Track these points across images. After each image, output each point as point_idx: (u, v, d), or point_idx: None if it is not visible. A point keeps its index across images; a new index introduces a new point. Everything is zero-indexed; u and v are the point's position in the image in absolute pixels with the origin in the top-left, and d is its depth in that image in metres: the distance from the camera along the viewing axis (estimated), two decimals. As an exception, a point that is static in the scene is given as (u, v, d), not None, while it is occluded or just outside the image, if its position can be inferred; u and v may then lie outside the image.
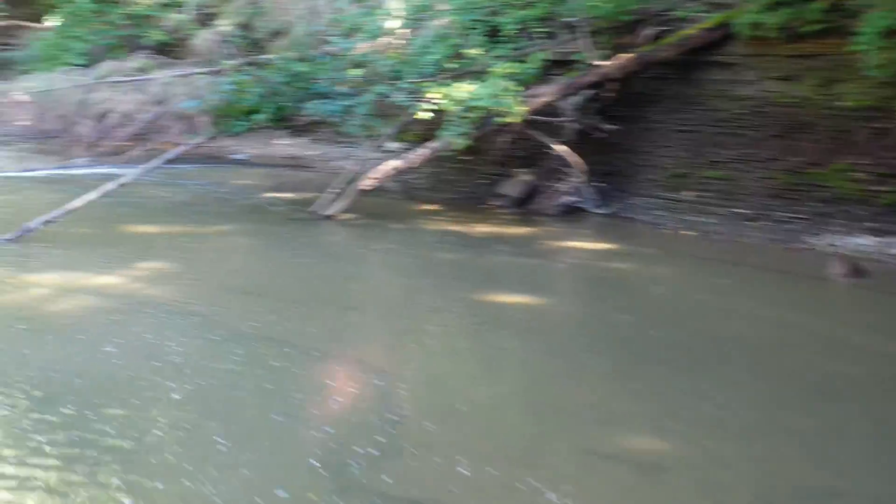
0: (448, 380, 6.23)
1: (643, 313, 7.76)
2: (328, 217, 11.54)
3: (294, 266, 9.48)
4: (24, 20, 26.03)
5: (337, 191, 11.71)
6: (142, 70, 11.39)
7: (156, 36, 17.03)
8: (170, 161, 10.81)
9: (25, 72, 18.54)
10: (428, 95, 10.84)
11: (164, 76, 10.73)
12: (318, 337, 6.91)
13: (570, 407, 5.60)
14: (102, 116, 11.54)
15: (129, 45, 20.37)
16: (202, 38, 13.75)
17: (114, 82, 10.70)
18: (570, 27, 11.78)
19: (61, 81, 11.24)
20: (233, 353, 6.37)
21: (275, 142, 16.97)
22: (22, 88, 12.20)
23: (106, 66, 11.18)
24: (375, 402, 5.67)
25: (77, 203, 10.14)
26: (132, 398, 5.43)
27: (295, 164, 16.85)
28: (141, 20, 19.22)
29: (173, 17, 17.28)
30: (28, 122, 16.07)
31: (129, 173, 10.92)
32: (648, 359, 6.49)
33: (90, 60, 17.21)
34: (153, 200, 12.52)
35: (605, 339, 7.11)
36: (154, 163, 11.02)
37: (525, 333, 7.20)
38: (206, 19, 15.27)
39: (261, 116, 11.14)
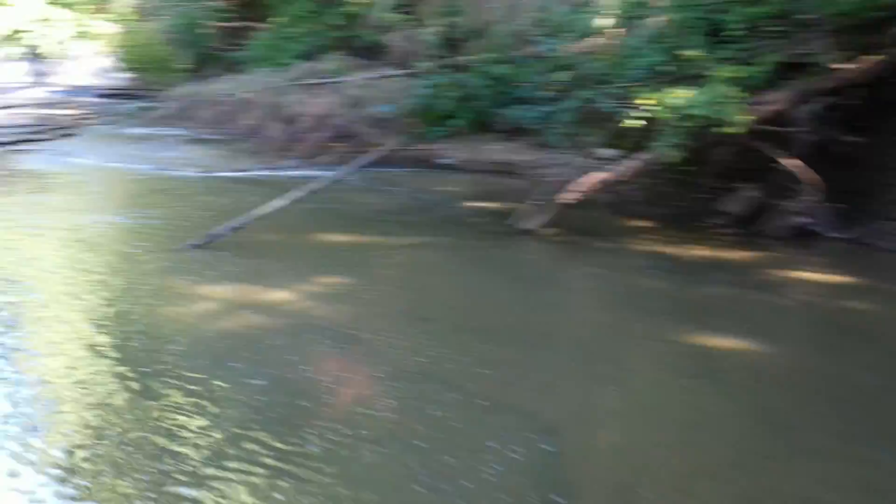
0: (634, 451, 5.17)
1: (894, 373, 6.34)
2: (527, 232, 10.66)
3: (481, 289, 8.69)
4: (253, 21, 27.16)
5: (538, 202, 10.81)
6: (335, 72, 11.03)
7: (369, 37, 16.77)
8: (366, 166, 10.35)
9: (244, 72, 19.00)
10: (638, 102, 9.72)
11: (358, 78, 10.27)
12: (491, 381, 6.07)
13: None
14: (295, 119, 11.28)
15: (342, 47, 20.55)
16: (398, 39, 13.31)
17: (308, 84, 10.37)
18: (806, 25, 10.18)
19: (255, 83, 11.07)
20: (389, 395, 5.66)
21: (485, 146, 16.26)
22: (222, 89, 12.18)
23: (300, 68, 10.90)
24: (538, 474, 4.75)
25: (265, 209, 9.89)
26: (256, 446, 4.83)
27: (504, 170, 16.02)
28: (355, 20, 19.10)
29: (387, 17, 16.93)
30: (252, 122, 16.29)
31: (324, 178, 10.57)
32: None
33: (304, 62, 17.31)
34: (347, 207, 12.19)
35: (841, 408, 5.78)
36: (349, 167, 10.60)
37: (739, 393, 6.02)
38: (405, 20, 14.82)
39: (458, 122, 10.44)
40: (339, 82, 10.47)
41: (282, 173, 14.42)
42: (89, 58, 31.34)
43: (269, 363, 6.23)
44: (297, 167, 14.70)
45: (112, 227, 10.70)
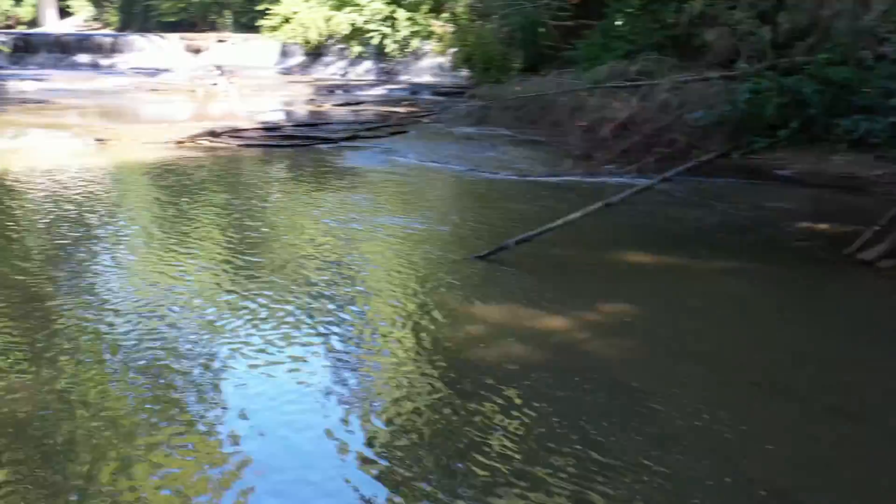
0: None
1: None
2: (866, 263, 8.83)
3: (790, 336, 7.17)
4: (590, 19, 26.58)
5: (882, 227, 8.94)
6: (649, 73, 9.85)
7: (709, 36, 15.30)
8: (684, 174, 9.13)
9: (575, 72, 18.34)
10: None
11: (667, 81, 9.07)
12: (789, 474, 4.72)
13: None
14: (605, 122, 10.31)
15: (673, 46, 19.17)
16: (717, 36, 11.76)
17: (618, 86, 9.34)
18: None
19: (558, 85, 10.23)
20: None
21: (825, 158, 14.13)
22: (530, 90, 11.48)
23: (603, 69, 9.88)
24: None
25: (566, 219, 9.05)
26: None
27: (847, 185, 13.83)
28: (697, 19, 17.62)
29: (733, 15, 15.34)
30: (567, 124, 15.59)
31: (637, 186, 9.51)
32: None
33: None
34: (656, 221, 11.00)
35: None
36: (664, 176, 9.44)
37: None
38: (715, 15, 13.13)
39: (786, 131, 8.87)
40: (651, 84, 9.32)
41: (598, 180, 13.55)
42: (430, 57, 32.60)
43: (508, 411, 5.36)
44: (615, 174, 13.75)
45: (404, 229, 10.42)
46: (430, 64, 34.64)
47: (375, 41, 26.68)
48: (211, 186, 13.73)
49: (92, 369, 5.89)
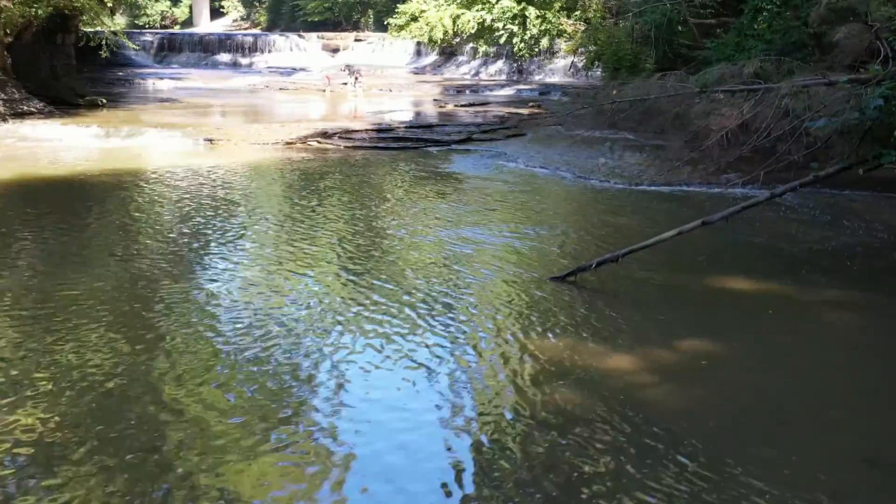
0: None
1: None
2: None
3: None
4: (727, 17, 24.90)
5: None
6: (760, 77, 8.57)
7: (839, 33, 13.70)
8: (779, 193, 7.91)
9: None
10: None
11: (785, 85, 7.80)
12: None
13: None
14: (716, 128, 9.13)
15: (818, 45, 17.56)
16: (847, 33, 10.22)
17: (724, 91, 8.16)
18: None
19: (655, 87, 9.09)
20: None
21: None
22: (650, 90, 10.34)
23: (715, 70, 8.66)
24: None
25: (659, 238, 8.03)
26: None
27: None
28: (830, 12, 15.95)
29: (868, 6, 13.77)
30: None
31: (752, 199, 8.30)
32: None
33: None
34: (768, 241, 9.75)
35: None
36: (782, 189, 8.21)
37: None
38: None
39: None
40: (767, 88, 8.10)
41: (715, 191, 12.31)
42: (564, 57, 31.55)
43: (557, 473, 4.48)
44: (732, 183, 12.49)
45: (488, 243, 9.59)
46: (565, 64, 33.57)
47: (503, 40, 25.83)
48: (308, 191, 13.31)
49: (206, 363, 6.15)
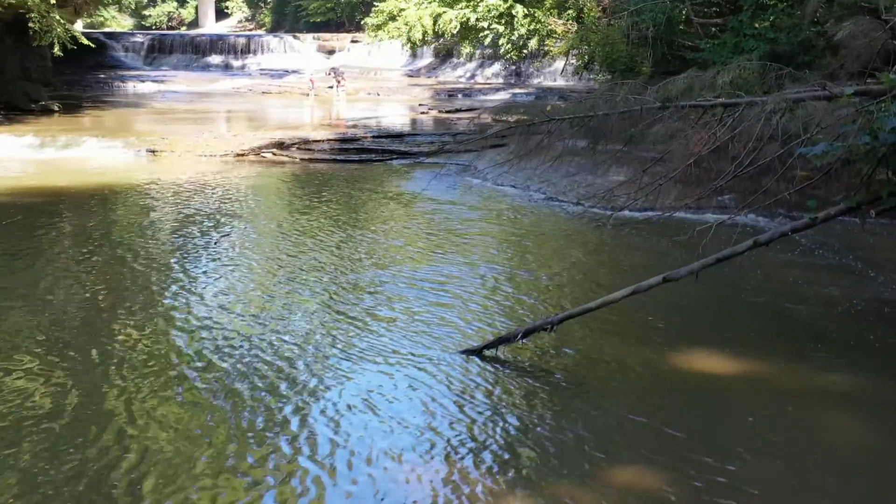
0: None
1: None
2: None
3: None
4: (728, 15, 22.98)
5: None
6: (739, 88, 6.60)
7: (842, 32, 11.64)
8: (764, 241, 5.98)
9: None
10: None
11: (772, 99, 5.87)
12: None
13: None
14: (671, 153, 7.23)
15: (829, 47, 15.63)
16: (852, 32, 8.26)
17: (685, 106, 6.24)
18: None
19: (604, 102, 7.16)
20: None
21: None
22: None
23: (680, 80, 6.70)
24: None
25: (593, 304, 6.13)
26: None
27: None
28: (845, 11, 13.97)
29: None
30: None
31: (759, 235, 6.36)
32: None
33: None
34: (756, 291, 7.79)
35: None
36: (791, 226, 6.26)
37: None
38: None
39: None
40: (749, 103, 6.18)
41: (700, 217, 10.33)
42: (557, 59, 29.61)
43: None
44: (721, 208, 10.65)
45: (410, 296, 7.73)
46: (561, 66, 31.64)
47: (488, 41, 24.02)
48: (233, 213, 11.50)
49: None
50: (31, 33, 20.76)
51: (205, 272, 8.50)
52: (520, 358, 6.14)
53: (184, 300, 7.53)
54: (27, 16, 19.62)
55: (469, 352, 6.17)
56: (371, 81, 34.69)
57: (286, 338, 6.58)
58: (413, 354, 6.22)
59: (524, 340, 6.06)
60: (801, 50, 14.89)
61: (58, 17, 20.30)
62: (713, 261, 6.10)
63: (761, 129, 6.36)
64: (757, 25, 15.31)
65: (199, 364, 6.08)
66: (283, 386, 5.72)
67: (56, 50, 21.07)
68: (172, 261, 8.93)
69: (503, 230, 10.75)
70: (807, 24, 14.83)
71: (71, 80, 33.59)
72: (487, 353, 6.12)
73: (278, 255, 9.16)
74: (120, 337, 6.60)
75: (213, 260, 8.99)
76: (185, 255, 9.18)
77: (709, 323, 7.02)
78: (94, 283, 8.06)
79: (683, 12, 22.38)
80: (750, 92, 6.66)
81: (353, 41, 44.87)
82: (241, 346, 6.39)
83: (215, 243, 9.69)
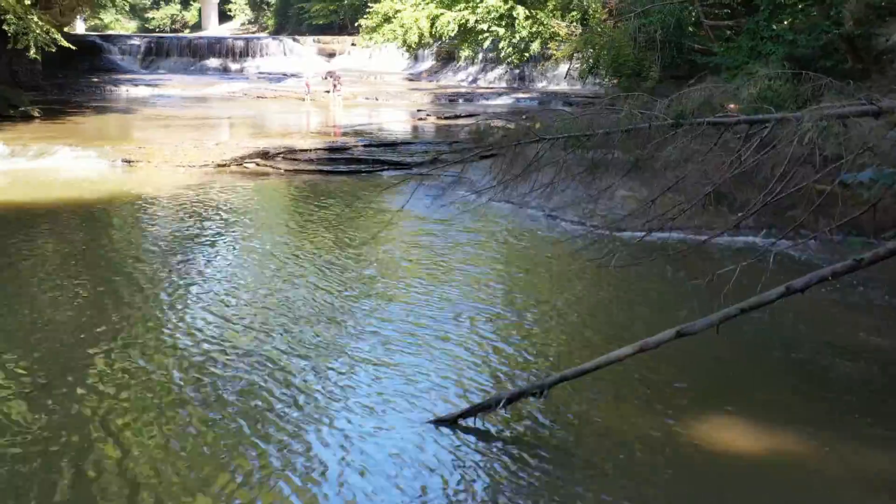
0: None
1: None
2: None
3: None
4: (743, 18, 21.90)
5: None
6: (767, 101, 5.54)
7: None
8: (799, 287, 4.90)
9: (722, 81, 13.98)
10: None
11: (812, 115, 4.82)
12: None
13: None
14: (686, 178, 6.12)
15: (851, 50, 14.59)
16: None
17: (702, 123, 5.20)
18: None
19: (606, 118, 6.07)
20: None
21: None
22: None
23: (696, 92, 5.59)
24: None
25: (590, 365, 5.06)
26: None
27: None
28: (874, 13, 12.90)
29: None
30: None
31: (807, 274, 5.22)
32: None
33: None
34: (787, 347, 6.62)
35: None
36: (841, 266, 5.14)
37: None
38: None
39: None
40: (780, 121, 5.11)
41: (722, 240, 9.15)
42: (561, 62, 28.50)
43: None
44: (734, 229, 9.51)
45: (377, 349, 6.64)
46: (565, 71, 30.51)
47: (487, 43, 22.92)
48: (199, 235, 10.49)
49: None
50: (6, 35, 19.85)
51: (151, 307, 7.46)
52: (500, 429, 5.08)
53: (150, 328, 6.50)
54: (2, 17, 18.65)
55: (440, 421, 5.11)
56: (370, 86, 33.63)
57: (229, 397, 5.53)
58: (373, 426, 5.15)
59: (506, 409, 5.00)
60: (823, 54, 13.80)
61: (36, 19, 19.31)
62: (736, 312, 5.03)
63: (794, 149, 5.28)
64: (775, 27, 14.20)
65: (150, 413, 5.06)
66: (231, 467, 4.68)
67: (32, 53, 20.08)
68: (141, 285, 7.93)
69: (493, 258, 9.67)
70: (829, 25, 13.72)
71: (62, 84, 32.70)
72: (462, 422, 5.06)
73: (237, 289, 8.10)
74: (89, 364, 6.08)
75: (165, 292, 7.95)
76: (139, 285, 8.15)
77: (731, 382, 5.89)
78: (53, 310, 7.09)
79: (693, 14, 21.33)
80: (781, 106, 5.58)
81: (353, 44, 43.86)
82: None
83: (172, 271, 8.65)
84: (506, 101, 28.59)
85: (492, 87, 32.78)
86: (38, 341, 6.58)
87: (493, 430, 5.06)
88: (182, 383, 5.77)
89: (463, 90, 31.99)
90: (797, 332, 6.70)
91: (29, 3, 18.59)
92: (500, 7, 22.12)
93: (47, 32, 19.86)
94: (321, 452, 4.85)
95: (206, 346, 6.49)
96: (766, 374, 6.03)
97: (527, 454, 4.82)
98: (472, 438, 4.95)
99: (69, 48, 22.66)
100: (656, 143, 5.51)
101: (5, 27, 18.84)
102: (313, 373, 5.97)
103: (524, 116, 23.45)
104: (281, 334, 6.75)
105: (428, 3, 22.47)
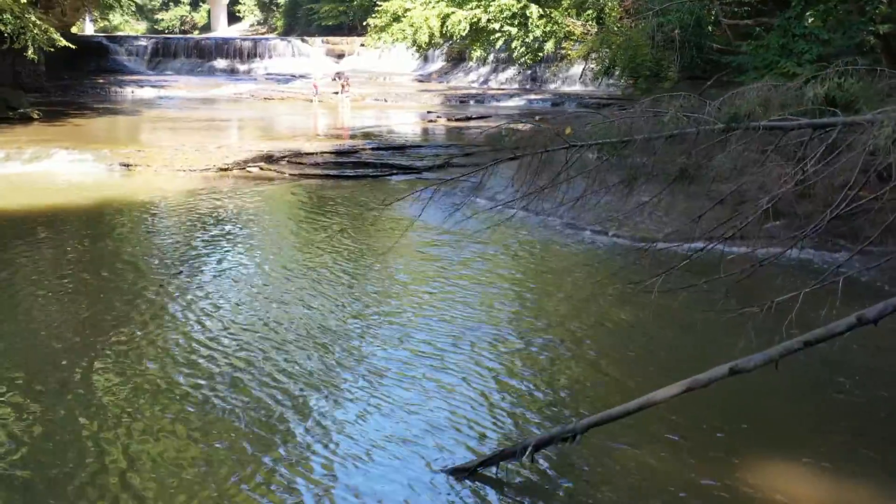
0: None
1: None
2: None
3: None
4: (768, 16, 21.19)
5: None
6: (833, 103, 4.86)
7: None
8: (871, 318, 4.22)
9: (738, 83, 13.25)
10: None
11: (887, 117, 4.15)
12: None
13: None
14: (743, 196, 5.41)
15: (885, 50, 13.89)
16: None
17: (759, 127, 4.51)
18: None
19: (644, 120, 5.37)
20: None
21: None
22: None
23: (752, 91, 4.90)
24: None
25: (632, 405, 4.37)
26: None
27: None
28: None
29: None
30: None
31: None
32: None
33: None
34: (855, 386, 5.84)
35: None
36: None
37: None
38: None
39: None
40: (850, 125, 4.41)
41: (764, 251, 8.32)
42: (575, 63, 27.79)
43: None
44: (776, 242, 8.72)
45: (377, 384, 5.96)
46: (581, 71, 29.82)
47: (500, 43, 22.23)
48: (196, 247, 9.88)
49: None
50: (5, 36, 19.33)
51: (140, 321, 6.82)
52: (525, 478, 4.40)
53: (145, 340, 5.85)
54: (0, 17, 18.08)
55: (459, 471, 4.43)
56: (379, 87, 33.02)
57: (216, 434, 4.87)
58: (381, 476, 4.48)
59: (533, 458, 4.32)
60: (857, 53, 13.08)
61: (34, 19, 18.72)
62: (799, 345, 4.33)
63: (864, 160, 4.59)
64: (806, 24, 13.47)
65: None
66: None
67: (30, 53, 19.48)
68: (131, 297, 7.29)
69: (510, 274, 8.93)
70: (865, 22, 13.02)
71: (66, 86, 32.16)
72: (484, 471, 4.39)
73: (219, 308, 7.43)
74: (84, 374, 5.78)
75: (153, 315, 7.29)
76: (132, 297, 7.51)
77: (790, 424, 5.17)
78: (47, 326, 6.47)
79: (713, 12, 20.63)
80: (850, 108, 4.89)
81: (362, 45, 43.25)
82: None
83: (163, 287, 7.99)
84: (518, 102, 27.91)
85: (503, 89, 32.09)
86: (32, 349, 6.21)
87: (516, 480, 4.38)
88: (170, 397, 5.12)
89: (474, 91, 31.32)
90: (864, 367, 5.92)
91: (25, 1, 17.96)
92: (512, 6, 21.45)
93: (46, 32, 19.27)
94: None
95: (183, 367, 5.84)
96: (831, 416, 5.31)
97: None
98: (494, 491, 4.28)
99: (74, 49, 22.14)
100: (704, 149, 4.84)
101: (2, 26, 18.26)
102: (308, 416, 5.30)
103: (537, 118, 22.78)
104: (276, 358, 6.09)
105: (438, 2, 21.85)
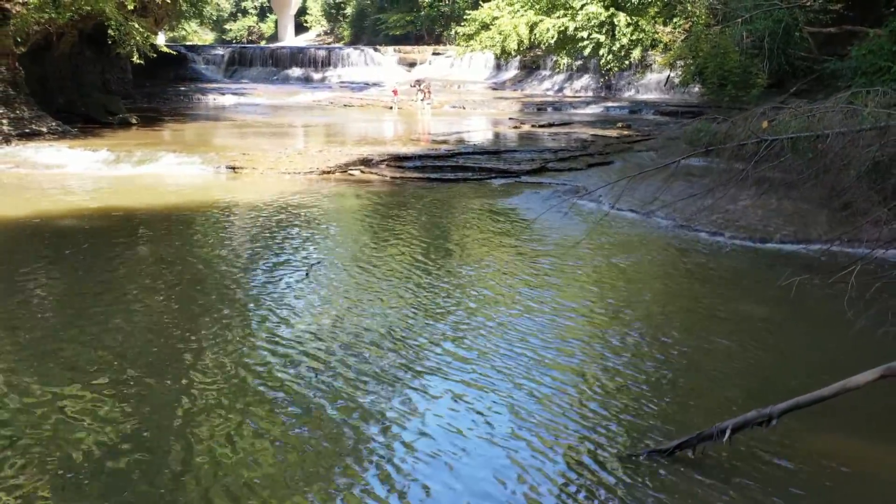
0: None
1: None
2: None
3: None
4: (863, 24, 20.94)
5: None
6: None
7: None
8: None
9: (846, 88, 13.18)
10: None
11: None
12: None
13: None
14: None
15: None
16: None
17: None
18: None
19: (832, 118, 5.48)
20: None
21: None
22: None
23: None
24: None
25: (829, 390, 4.48)
26: None
27: None
28: None
29: None
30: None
31: None
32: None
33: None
34: None
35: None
36: None
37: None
38: None
39: None
40: None
41: (865, 252, 8.37)
42: (657, 71, 27.71)
43: None
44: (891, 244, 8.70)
45: (533, 377, 6.14)
46: (658, 79, 29.77)
47: (588, 51, 22.30)
48: (314, 242, 10.18)
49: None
50: (110, 42, 20.04)
51: (267, 312, 7.09)
52: (722, 462, 4.53)
53: (247, 339, 6.12)
54: (105, 23, 18.77)
55: (656, 452, 4.58)
56: (455, 94, 33.32)
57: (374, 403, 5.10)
58: (575, 453, 4.66)
59: (730, 441, 4.45)
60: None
61: (136, 26, 19.39)
62: None
63: None
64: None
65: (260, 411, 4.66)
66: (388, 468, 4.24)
67: (135, 58, 20.16)
68: (243, 296, 7.60)
69: (635, 265, 9.09)
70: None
71: (151, 93, 33.06)
72: (681, 453, 4.53)
73: (351, 301, 7.68)
74: (191, 373, 5.89)
75: (278, 302, 7.57)
76: (258, 293, 7.81)
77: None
78: (165, 326, 6.75)
79: (799, 19, 20.48)
80: None
81: (434, 53, 43.66)
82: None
83: (284, 280, 8.29)
84: (595, 109, 27.95)
85: (578, 96, 32.16)
86: (129, 344, 6.42)
87: (713, 462, 4.52)
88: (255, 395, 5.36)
89: (550, 99, 31.45)
90: None
91: (131, 7, 18.63)
92: (600, 14, 21.54)
93: (147, 38, 19.95)
94: (515, 481, 4.37)
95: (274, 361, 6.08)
96: None
97: (759, 492, 4.26)
98: (692, 472, 4.42)
99: (154, 57, 22.83)
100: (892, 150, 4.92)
101: (110, 32, 18.95)
102: (486, 397, 5.50)
103: (618, 124, 22.83)
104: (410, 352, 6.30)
105: (527, 10, 22.00)
